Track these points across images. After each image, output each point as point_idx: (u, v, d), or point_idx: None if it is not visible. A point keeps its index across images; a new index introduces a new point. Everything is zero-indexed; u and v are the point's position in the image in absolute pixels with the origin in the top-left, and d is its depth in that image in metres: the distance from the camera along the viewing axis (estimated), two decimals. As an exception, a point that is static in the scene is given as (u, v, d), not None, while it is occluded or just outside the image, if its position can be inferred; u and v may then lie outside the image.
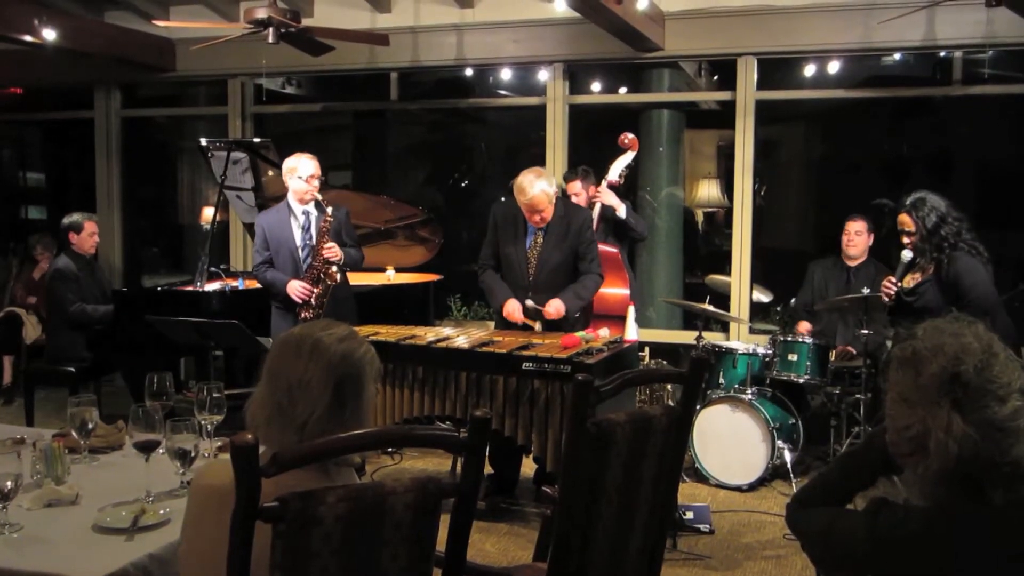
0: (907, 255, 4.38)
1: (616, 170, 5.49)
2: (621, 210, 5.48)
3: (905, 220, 4.34)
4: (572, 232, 4.67)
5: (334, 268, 4.89)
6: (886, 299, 4.50)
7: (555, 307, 4.57)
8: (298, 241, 5.00)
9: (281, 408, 1.80)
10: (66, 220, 6.07)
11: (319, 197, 4.93)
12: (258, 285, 6.19)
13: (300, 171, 4.90)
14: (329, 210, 4.90)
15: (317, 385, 1.79)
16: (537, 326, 4.62)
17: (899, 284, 4.43)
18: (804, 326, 5.68)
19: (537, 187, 4.50)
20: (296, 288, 4.89)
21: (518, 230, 4.73)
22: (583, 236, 4.69)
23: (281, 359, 1.84)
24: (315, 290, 4.90)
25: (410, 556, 1.75)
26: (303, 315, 4.89)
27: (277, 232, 5.00)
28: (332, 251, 4.88)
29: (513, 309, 4.65)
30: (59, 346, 5.98)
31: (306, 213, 5.00)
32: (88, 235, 6.05)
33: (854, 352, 5.38)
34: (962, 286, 4.22)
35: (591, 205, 5.46)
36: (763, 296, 6.66)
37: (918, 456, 1.56)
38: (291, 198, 4.99)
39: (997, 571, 1.53)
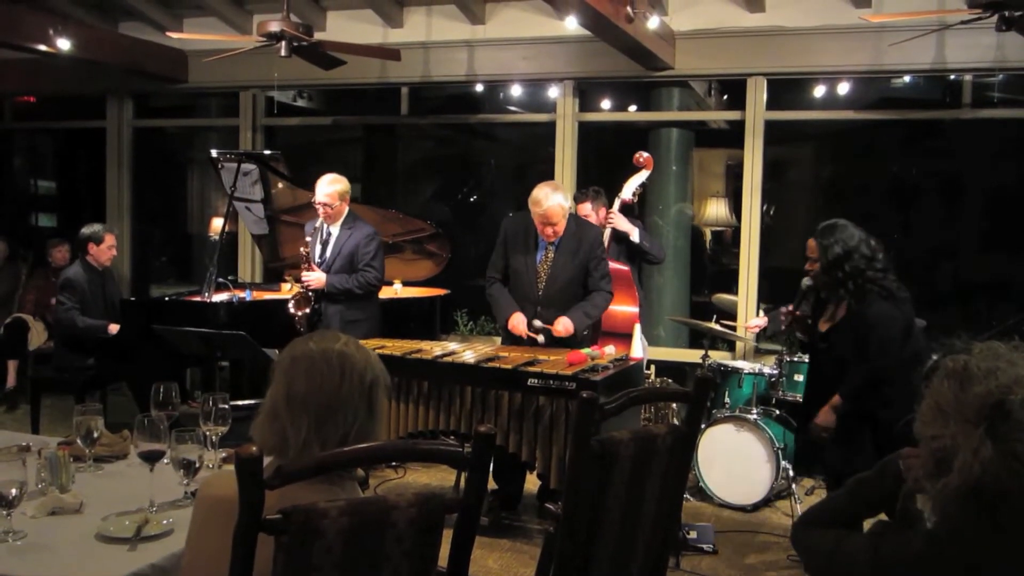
0: (805, 282, 4.12)
1: (630, 188, 5.47)
2: (634, 235, 5.43)
3: (811, 245, 3.98)
4: (583, 249, 4.66)
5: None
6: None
7: (564, 325, 4.54)
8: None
9: (320, 428, 1.77)
10: (87, 230, 6.05)
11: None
12: (266, 297, 6.24)
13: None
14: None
15: (355, 395, 1.80)
16: (540, 338, 4.58)
17: (797, 313, 4.16)
18: (756, 321, 5.47)
19: (553, 199, 4.50)
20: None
21: (529, 244, 4.72)
22: (594, 253, 4.68)
23: (310, 380, 1.79)
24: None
25: (411, 571, 1.74)
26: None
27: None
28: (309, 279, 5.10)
29: (518, 322, 4.63)
30: (65, 354, 6.00)
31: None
32: (107, 248, 6.05)
33: None
34: (870, 339, 3.74)
35: (603, 227, 5.42)
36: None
37: (933, 477, 1.53)
38: None
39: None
